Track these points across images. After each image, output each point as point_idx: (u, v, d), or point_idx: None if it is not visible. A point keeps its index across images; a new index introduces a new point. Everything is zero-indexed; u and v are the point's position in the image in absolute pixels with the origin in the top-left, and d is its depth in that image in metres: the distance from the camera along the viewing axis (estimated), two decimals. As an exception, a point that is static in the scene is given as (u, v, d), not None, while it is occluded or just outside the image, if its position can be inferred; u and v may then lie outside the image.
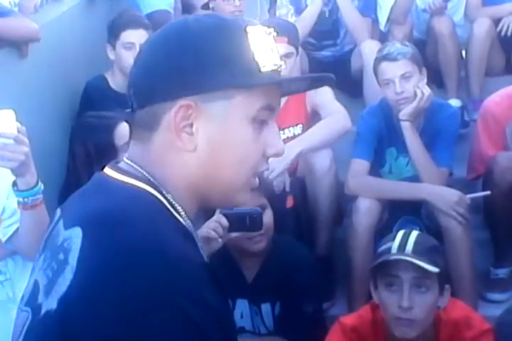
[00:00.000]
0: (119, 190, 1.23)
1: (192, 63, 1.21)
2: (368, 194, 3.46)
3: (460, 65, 4.71)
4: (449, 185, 3.48)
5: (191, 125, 1.21)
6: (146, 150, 1.25)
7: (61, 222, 1.26)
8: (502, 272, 3.58)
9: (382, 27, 4.81)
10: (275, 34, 1.28)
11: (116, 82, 4.00)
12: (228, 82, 1.21)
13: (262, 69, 1.23)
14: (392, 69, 3.48)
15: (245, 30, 1.23)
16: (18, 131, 2.23)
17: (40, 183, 2.35)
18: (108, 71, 4.11)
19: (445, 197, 3.34)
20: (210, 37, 1.22)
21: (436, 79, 4.40)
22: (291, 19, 4.63)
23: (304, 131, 3.73)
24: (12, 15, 3.59)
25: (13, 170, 2.27)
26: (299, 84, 1.36)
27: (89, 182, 1.30)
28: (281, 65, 1.27)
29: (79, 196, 1.29)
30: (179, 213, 1.23)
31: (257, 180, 1.29)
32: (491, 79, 4.68)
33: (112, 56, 4.03)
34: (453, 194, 3.36)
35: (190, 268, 1.12)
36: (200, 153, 1.22)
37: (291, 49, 3.69)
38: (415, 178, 3.56)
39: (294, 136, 3.70)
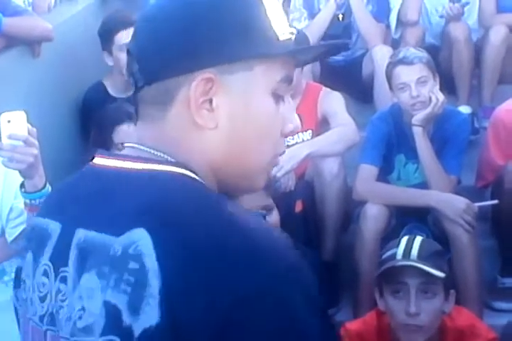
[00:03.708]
0: (155, 180, 1.08)
1: (207, 32, 1.09)
2: (376, 199, 3.45)
3: (473, 72, 4.70)
4: (457, 193, 3.46)
5: (210, 100, 1.09)
6: (159, 130, 1.12)
7: (83, 233, 1.09)
8: (509, 281, 3.57)
9: (393, 32, 4.79)
10: None
11: (116, 87, 3.97)
12: (249, 52, 1.09)
13: (280, 38, 1.12)
14: (408, 73, 3.46)
15: None
16: (29, 133, 2.22)
17: (48, 186, 2.33)
18: (106, 77, 4.05)
19: (453, 205, 3.33)
20: (224, 2, 1.11)
21: (447, 86, 4.38)
22: (304, 23, 4.62)
23: (313, 137, 3.73)
24: (26, 15, 3.61)
25: (21, 172, 2.27)
26: (314, 53, 1.25)
27: (86, 183, 1.15)
28: (293, 33, 1.16)
29: (85, 200, 1.12)
30: None
31: (279, 159, 1.19)
32: (503, 87, 4.65)
33: (110, 62, 3.94)
34: (461, 201, 3.35)
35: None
36: (223, 130, 1.11)
37: None
38: (423, 185, 3.55)
39: (303, 142, 3.68)
